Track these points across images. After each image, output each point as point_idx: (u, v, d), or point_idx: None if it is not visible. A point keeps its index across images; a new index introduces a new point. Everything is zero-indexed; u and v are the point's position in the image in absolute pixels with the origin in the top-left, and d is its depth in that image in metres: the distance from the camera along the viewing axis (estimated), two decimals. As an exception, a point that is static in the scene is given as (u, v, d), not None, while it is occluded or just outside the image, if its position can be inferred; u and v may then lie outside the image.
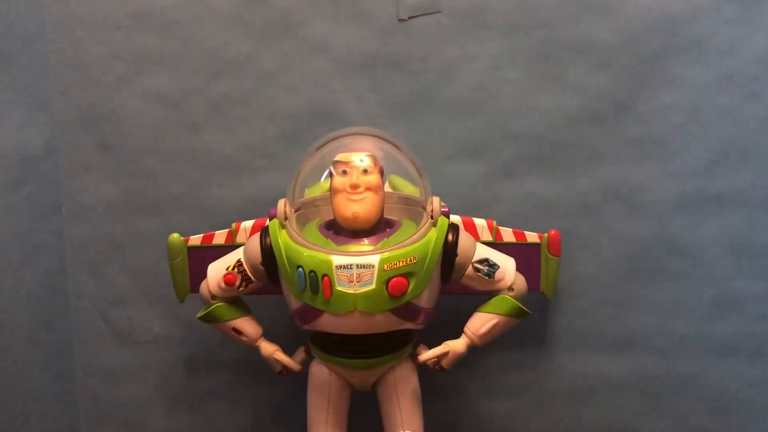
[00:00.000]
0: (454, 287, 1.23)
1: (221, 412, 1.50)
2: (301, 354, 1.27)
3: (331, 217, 1.18)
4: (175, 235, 1.33)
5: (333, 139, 1.24)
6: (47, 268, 1.43)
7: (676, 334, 1.41)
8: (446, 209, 1.22)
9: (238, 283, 1.23)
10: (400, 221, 1.21)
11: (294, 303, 1.18)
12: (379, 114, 1.40)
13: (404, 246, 1.14)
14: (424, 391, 1.26)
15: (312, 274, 1.13)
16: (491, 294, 1.23)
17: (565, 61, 1.36)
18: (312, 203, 1.23)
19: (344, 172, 1.16)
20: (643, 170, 1.37)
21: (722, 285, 1.39)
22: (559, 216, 1.39)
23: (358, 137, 1.23)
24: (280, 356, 1.26)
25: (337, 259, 1.12)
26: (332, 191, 1.16)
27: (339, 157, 1.17)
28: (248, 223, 1.32)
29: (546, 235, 1.30)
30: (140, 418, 1.52)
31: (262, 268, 1.21)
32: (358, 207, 1.14)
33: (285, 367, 1.26)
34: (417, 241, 1.15)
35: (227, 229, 1.33)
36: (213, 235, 1.33)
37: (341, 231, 1.18)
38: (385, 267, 1.12)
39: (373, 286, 1.12)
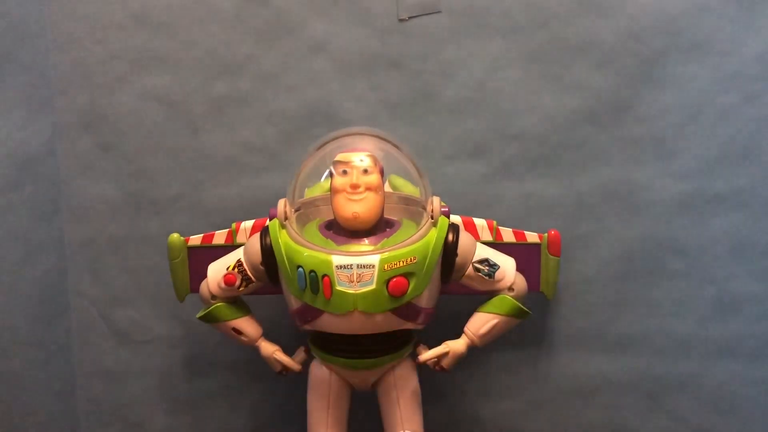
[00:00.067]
0: (454, 287, 1.23)
1: (221, 412, 1.50)
2: (301, 354, 1.27)
3: (332, 217, 1.18)
4: (175, 235, 1.33)
5: (333, 139, 1.24)
6: (47, 268, 1.43)
7: (676, 334, 1.41)
8: (446, 209, 1.22)
9: (238, 283, 1.23)
10: (400, 221, 1.21)
11: (294, 303, 1.18)
12: (379, 114, 1.40)
13: (404, 246, 1.14)
14: (424, 391, 1.26)
15: (312, 274, 1.13)
16: (491, 294, 1.23)
17: (565, 61, 1.36)
18: (312, 203, 1.23)
19: (344, 172, 1.16)
20: (643, 170, 1.37)
21: (722, 285, 1.39)
22: (559, 216, 1.39)
23: (358, 137, 1.23)
24: (280, 356, 1.26)
25: (337, 259, 1.12)
26: (332, 191, 1.16)
27: (339, 157, 1.17)
28: (248, 223, 1.32)
29: (546, 235, 1.31)
30: (140, 418, 1.52)
31: (262, 268, 1.21)
32: (358, 207, 1.15)
33: (285, 368, 1.26)
34: (417, 241, 1.15)
35: (227, 229, 1.33)
36: (213, 235, 1.33)
37: (341, 231, 1.18)
38: (386, 267, 1.12)
39: (373, 286, 1.12)
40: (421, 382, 1.26)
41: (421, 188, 1.22)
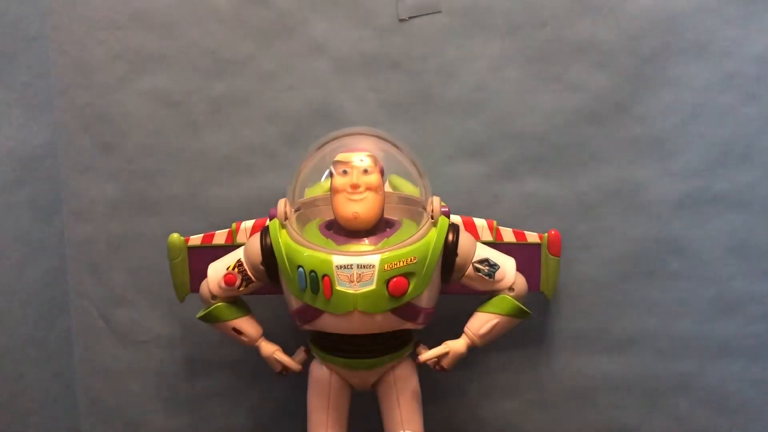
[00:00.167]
0: (454, 287, 1.23)
1: (221, 412, 1.50)
2: (301, 354, 1.27)
3: (332, 217, 1.18)
4: (175, 235, 1.33)
5: (333, 139, 1.24)
6: (47, 268, 1.43)
7: (676, 334, 1.41)
8: (446, 209, 1.22)
9: (238, 283, 1.23)
10: (400, 221, 1.21)
11: (294, 303, 1.18)
12: (380, 114, 1.40)
13: (405, 246, 1.14)
14: (424, 391, 1.26)
15: (312, 274, 1.13)
16: (491, 294, 1.23)
17: (565, 61, 1.36)
18: (312, 203, 1.23)
19: (344, 172, 1.16)
20: (643, 170, 1.37)
21: (722, 285, 1.39)
22: (559, 216, 1.39)
23: (358, 137, 1.23)
24: (281, 356, 1.26)
25: (337, 259, 1.12)
26: (332, 191, 1.16)
27: (339, 157, 1.17)
28: (248, 223, 1.32)
29: (546, 235, 1.31)
30: (140, 418, 1.52)
31: (262, 268, 1.21)
32: (358, 207, 1.15)
33: (285, 367, 1.26)
34: (417, 241, 1.15)
35: (227, 229, 1.33)
36: (213, 235, 1.33)
37: (341, 231, 1.18)
38: (386, 267, 1.12)
39: (373, 287, 1.12)
40: (421, 382, 1.26)
41: (421, 188, 1.22)
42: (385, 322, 1.15)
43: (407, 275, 1.13)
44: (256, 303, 1.31)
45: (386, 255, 1.12)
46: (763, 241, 1.37)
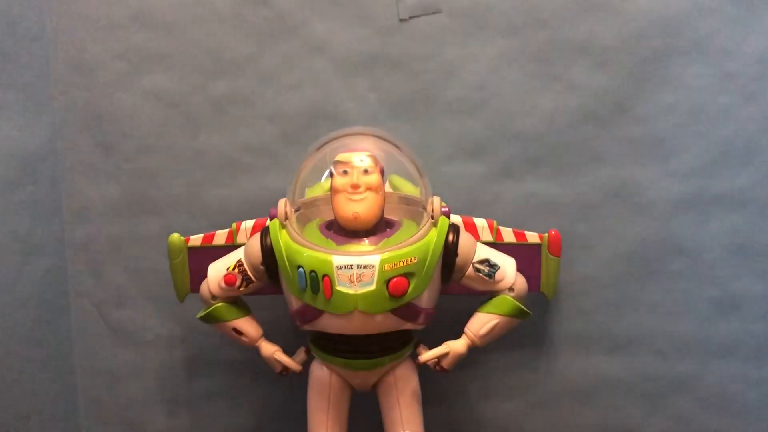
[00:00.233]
0: (454, 287, 1.23)
1: (221, 412, 1.50)
2: (301, 354, 1.27)
3: (332, 217, 1.18)
4: (175, 235, 1.32)
5: (333, 139, 1.24)
6: (47, 268, 1.43)
7: (676, 334, 1.41)
8: (446, 209, 1.22)
9: (238, 283, 1.23)
10: (400, 221, 1.21)
11: (294, 303, 1.18)
12: (380, 114, 1.40)
13: (405, 246, 1.14)
14: (424, 391, 1.26)
15: (312, 274, 1.13)
16: (492, 294, 1.23)
17: (565, 61, 1.36)
18: (312, 203, 1.23)
19: (345, 172, 1.16)
20: (643, 170, 1.37)
21: (722, 285, 1.39)
22: (559, 216, 1.39)
23: (358, 137, 1.23)
24: (281, 357, 1.26)
25: (337, 259, 1.12)
26: (333, 191, 1.16)
27: (339, 157, 1.17)
28: (248, 223, 1.32)
29: (546, 235, 1.30)
30: (140, 418, 1.52)
31: (262, 268, 1.21)
32: (358, 207, 1.14)
33: (285, 368, 1.26)
34: (417, 241, 1.15)
35: (227, 229, 1.33)
36: (213, 235, 1.33)
37: (342, 231, 1.18)
38: (386, 267, 1.12)
39: (373, 287, 1.12)
40: (421, 382, 1.26)
41: (422, 188, 1.22)
42: (385, 323, 1.15)
43: (407, 275, 1.13)
44: (256, 303, 1.31)
45: (386, 255, 1.12)
46: (763, 241, 1.37)
